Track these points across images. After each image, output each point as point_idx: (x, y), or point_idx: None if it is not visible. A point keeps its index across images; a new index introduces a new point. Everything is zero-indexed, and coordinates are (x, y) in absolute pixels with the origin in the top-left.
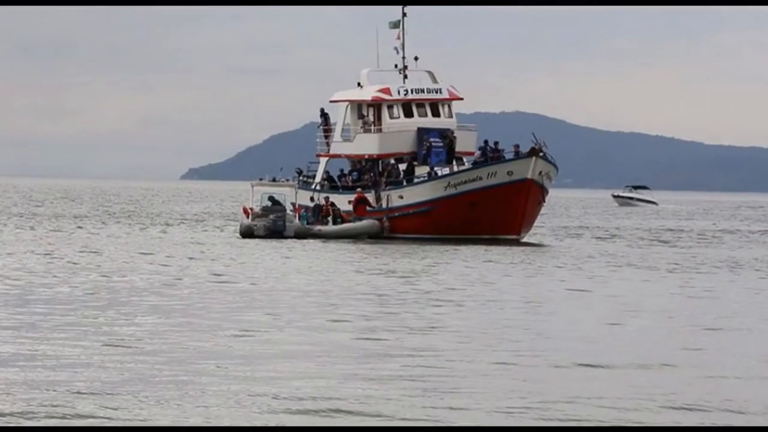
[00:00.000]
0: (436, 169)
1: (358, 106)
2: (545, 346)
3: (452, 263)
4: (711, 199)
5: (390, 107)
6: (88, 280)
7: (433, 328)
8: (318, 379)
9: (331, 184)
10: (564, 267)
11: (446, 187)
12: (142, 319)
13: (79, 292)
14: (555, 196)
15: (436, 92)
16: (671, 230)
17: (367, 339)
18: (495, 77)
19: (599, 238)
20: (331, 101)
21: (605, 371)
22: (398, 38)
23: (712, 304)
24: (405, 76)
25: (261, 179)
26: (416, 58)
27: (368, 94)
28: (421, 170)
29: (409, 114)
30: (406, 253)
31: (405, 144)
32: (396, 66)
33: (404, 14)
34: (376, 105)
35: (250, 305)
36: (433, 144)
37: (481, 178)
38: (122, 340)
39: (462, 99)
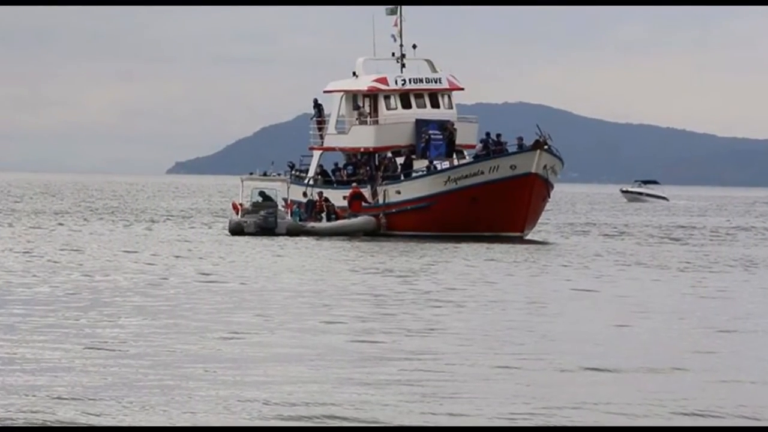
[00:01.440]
0: (435, 162)
1: (353, 97)
2: (550, 348)
3: (452, 262)
4: (724, 195)
5: (387, 98)
6: (69, 279)
7: (432, 330)
8: (311, 383)
9: (324, 178)
10: (570, 266)
11: (446, 182)
12: (126, 321)
13: (59, 292)
14: (560, 191)
15: (435, 82)
16: (683, 227)
17: (363, 341)
18: (497, 66)
19: (607, 235)
20: (325, 91)
21: (613, 375)
22: (396, 25)
23: (726, 305)
24: (402, 65)
25: (251, 173)
26: (414, 46)
27: (364, 83)
28: (420, 164)
29: (406, 105)
30: (403, 252)
31: (402, 136)
32: (393, 54)
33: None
34: (372, 95)
35: (239, 306)
36: (432, 136)
37: (482, 173)
38: (105, 342)
39: (463, 89)
